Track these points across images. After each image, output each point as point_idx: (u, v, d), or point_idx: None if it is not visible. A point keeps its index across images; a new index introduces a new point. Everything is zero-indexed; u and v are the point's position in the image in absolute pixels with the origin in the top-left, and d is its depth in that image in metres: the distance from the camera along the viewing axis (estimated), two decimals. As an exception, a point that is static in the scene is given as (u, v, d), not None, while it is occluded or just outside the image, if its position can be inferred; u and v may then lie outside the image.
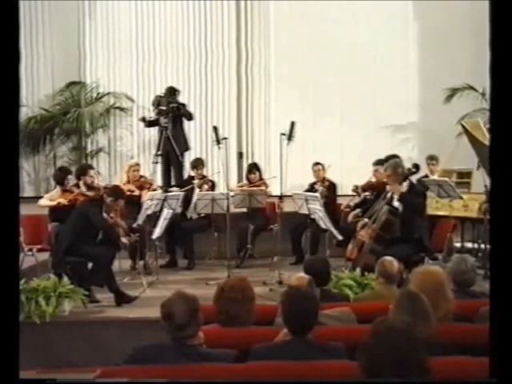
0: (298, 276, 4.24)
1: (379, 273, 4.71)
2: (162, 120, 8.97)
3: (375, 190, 7.28)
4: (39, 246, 7.18)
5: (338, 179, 8.64)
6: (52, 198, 7.29)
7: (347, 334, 3.50)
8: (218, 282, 4.45)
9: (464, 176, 8.52)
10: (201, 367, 3.07)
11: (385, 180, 6.66)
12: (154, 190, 8.08)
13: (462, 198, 7.51)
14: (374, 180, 7.80)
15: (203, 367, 3.08)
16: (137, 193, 8.00)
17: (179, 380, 2.95)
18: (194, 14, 11.22)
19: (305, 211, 7.28)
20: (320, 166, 8.45)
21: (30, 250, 7.08)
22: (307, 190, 8.18)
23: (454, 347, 3.21)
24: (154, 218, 7.32)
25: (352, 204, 7.68)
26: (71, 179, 7.39)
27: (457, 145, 8.42)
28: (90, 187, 7.18)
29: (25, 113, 10.81)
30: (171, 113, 9.00)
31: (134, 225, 7.24)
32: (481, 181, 7.25)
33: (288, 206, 7.90)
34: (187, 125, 9.61)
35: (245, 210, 8.36)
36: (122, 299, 6.24)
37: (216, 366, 3.10)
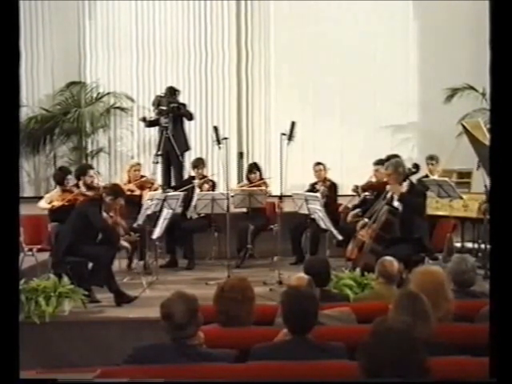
0: (297, 276, 4.24)
1: (379, 273, 4.71)
2: (163, 120, 8.97)
3: (375, 189, 7.28)
4: (39, 246, 7.18)
5: (338, 179, 8.64)
6: (52, 198, 7.30)
7: (347, 334, 3.50)
8: (218, 282, 4.45)
9: (464, 176, 8.52)
10: (201, 367, 3.07)
11: (385, 179, 6.66)
12: (156, 189, 8.08)
13: (462, 197, 7.51)
14: (374, 180, 7.80)
15: (203, 367, 3.07)
16: (138, 193, 8.00)
17: (179, 380, 2.95)
18: (194, 14, 11.22)
19: (305, 211, 7.28)
20: (321, 166, 8.46)
21: (30, 249, 7.08)
22: (308, 190, 8.19)
23: (454, 347, 3.21)
24: (154, 218, 7.32)
25: (350, 205, 7.68)
26: (71, 179, 7.40)
27: (457, 145, 8.42)
28: (89, 187, 7.18)
29: (25, 113, 10.81)
30: (171, 113, 9.00)
31: (134, 225, 7.25)
32: (481, 181, 7.25)
33: (288, 206, 7.90)
34: (187, 125, 9.61)
35: (245, 210, 8.36)
36: (121, 299, 6.24)
37: (216, 366, 3.10)
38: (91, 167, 7.96)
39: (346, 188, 8.44)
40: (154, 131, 9.90)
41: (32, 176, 11.26)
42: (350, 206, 7.74)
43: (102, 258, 6.28)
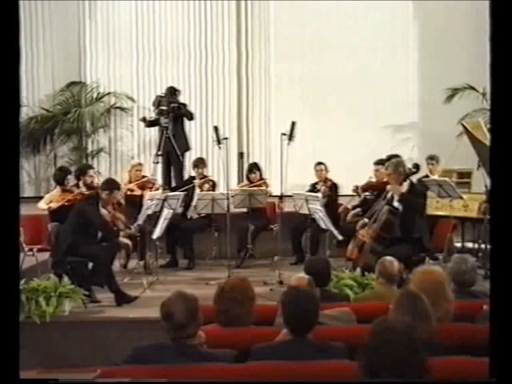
0: (297, 276, 4.24)
1: (379, 273, 4.71)
2: (163, 120, 8.98)
3: (375, 189, 7.29)
4: (39, 246, 7.18)
5: (338, 179, 8.63)
6: (52, 198, 7.30)
7: (347, 334, 3.50)
8: (218, 282, 4.45)
9: (464, 176, 8.52)
10: (201, 367, 3.07)
11: (385, 179, 6.66)
12: (157, 189, 8.07)
13: (462, 197, 7.50)
14: (374, 180, 7.81)
15: (203, 367, 3.07)
16: (138, 193, 7.99)
17: (179, 380, 2.95)
18: (194, 14, 11.22)
19: (305, 211, 7.28)
20: (322, 166, 8.46)
21: (30, 249, 7.08)
22: (309, 190, 8.19)
23: (454, 347, 3.21)
24: (154, 218, 7.32)
25: (350, 206, 7.68)
26: (71, 179, 7.40)
27: (457, 145, 8.42)
28: (89, 187, 7.17)
29: (25, 113, 10.82)
30: (172, 113, 9.01)
31: (135, 225, 7.26)
32: (481, 181, 7.25)
33: (288, 206, 7.90)
34: (187, 125, 9.61)
35: (245, 209, 8.36)
36: (122, 299, 6.24)
37: (216, 366, 3.10)
38: (91, 167, 7.95)
39: (346, 188, 8.44)
40: (154, 131, 9.91)
41: (32, 176, 11.26)
42: (349, 206, 7.74)
43: (102, 258, 6.28)
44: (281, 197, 7.80)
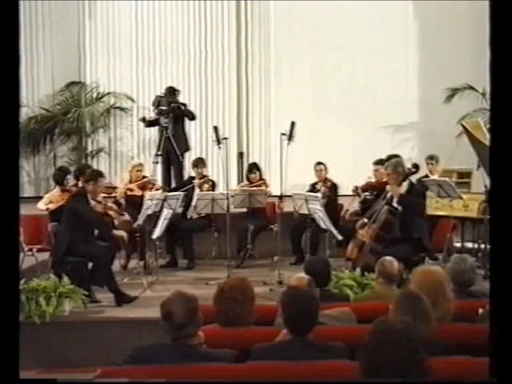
0: (297, 276, 4.24)
1: (379, 273, 4.71)
2: (163, 120, 8.98)
3: (375, 189, 7.28)
4: (39, 246, 7.18)
5: (338, 179, 8.63)
6: (52, 198, 7.30)
7: (347, 334, 3.49)
8: (218, 282, 4.45)
9: (464, 176, 8.52)
10: (201, 367, 3.07)
11: (385, 179, 6.66)
12: (157, 190, 8.07)
13: (462, 197, 7.51)
14: (373, 180, 7.81)
15: (203, 367, 3.07)
16: (139, 193, 7.99)
17: (179, 380, 2.95)
18: (194, 14, 11.22)
19: (305, 211, 7.28)
20: (322, 166, 8.45)
21: (30, 249, 7.09)
22: (309, 191, 8.18)
23: (454, 347, 3.21)
24: (154, 218, 7.32)
25: (351, 208, 7.67)
26: (70, 179, 7.40)
27: (457, 145, 8.41)
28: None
29: (25, 113, 10.82)
30: (172, 113, 9.01)
31: (135, 225, 7.25)
32: (481, 181, 7.25)
33: (288, 206, 7.90)
34: (187, 125, 9.61)
35: (245, 209, 8.36)
36: (122, 299, 6.24)
37: (216, 366, 3.10)
38: (90, 167, 7.97)
39: (345, 188, 8.44)
40: (154, 131, 9.91)
41: (32, 176, 11.26)
42: (350, 208, 7.72)
43: (102, 258, 6.28)
44: (280, 197, 7.79)
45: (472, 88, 10.41)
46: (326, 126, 11.08)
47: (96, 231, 6.52)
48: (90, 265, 6.42)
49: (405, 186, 6.32)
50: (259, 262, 8.17)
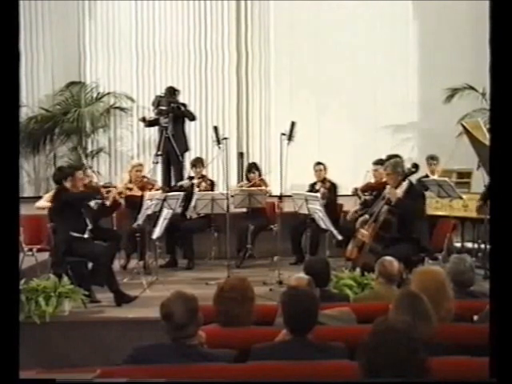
0: (297, 276, 4.24)
1: (379, 273, 4.70)
2: (162, 120, 8.98)
3: (374, 189, 7.28)
4: (39, 246, 7.18)
5: (338, 179, 8.63)
6: (51, 197, 7.29)
7: (347, 334, 3.49)
8: (218, 282, 4.45)
9: (464, 176, 8.52)
10: (201, 367, 3.07)
11: (384, 179, 6.66)
12: (157, 190, 8.07)
13: (461, 197, 7.51)
14: (373, 180, 7.81)
15: (203, 367, 3.07)
16: (138, 193, 7.98)
17: (179, 380, 2.95)
18: (194, 14, 11.23)
19: (305, 211, 7.28)
20: (321, 166, 8.44)
21: (30, 249, 7.09)
22: (308, 191, 8.18)
23: (454, 347, 3.21)
24: (153, 218, 7.32)
25: (354, 208, 7.65)
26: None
27: (457, 145, 8.42)
28: (87, 187, 7.17)
29: (25, 113, 10.83)
30: (172, 113, 9.01)
31: (134, 225, 7.25)
32: (481, 181, 7.25)
33: (288, 206, 7.90)
34: (187, 125, 9.61)
35: (245, 209, 8.36)
36: (122, 299, 6.24)
37: (216, 366, 3.10)
38: (89, 167, 7.97)
39: (345, 188, 8.44)
40: (153, 131, 9.91)
41: (32, 176, 11.26)
42: (352, 208, 7.71)
43: (102, 258, 6.27)
44: (280, 197, 7.79)
45: (472, 88, 10.42)
46: (326, 125, 11.09)
47: (89, 226, 6.46)
48: (90, 265, 6.42)
49: (404, 186, 6.31)
50: (259, 262, 8.17)
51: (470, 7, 10.43)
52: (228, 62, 11.24)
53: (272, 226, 8.02)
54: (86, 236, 6.39)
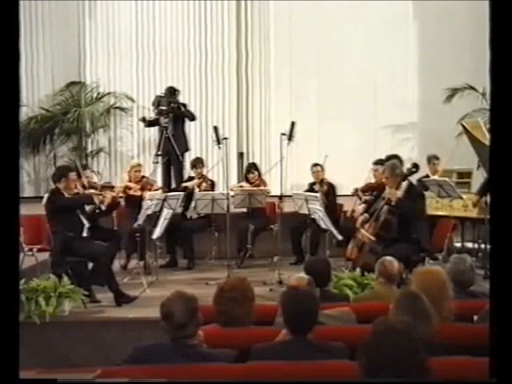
0: (297, 276, 4.23)
1: (379, 273, 4.70)
2: (162, 120, 8.98)
3: (374, 190, 7.28)
4: (39, 246, 7.18)
5: (338, 179, 8.63)
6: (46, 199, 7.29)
7: (347, 334, 3.49)
8: (218, 282, 4.45)
9: (464, 176, 8.51)
10: (201, 367, 3.07)
11: (384, 181, 6.66)
12: (157, 190, 8.07)
13: (462, 197, 7.51)
14: (373, 180, 7.80)
15: (203, 367, 3.07)
16: (138, 193, 7.99)
17: (179, 380, 2.95)
18: (194, 14, 11.23)
19: (305, 211, 7.28)
20: (319, 167, 8.39)
21: (30, 249, 7.09)
22: (307, 190, 8.17)
23: (454, 347, 3.21)
24: (154, 218, 7.32)
25: (357, 208, 7.64)
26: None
27: (457, 145, 8.42)
28: (85, 187, 7.16)
29: (25, 113, 10.82)
30: (172, 113, 9.01)
31: (135, 225, 7.25)
32: (481, 181, 7.25)
33: (288, 206, 7.90)
34: (187, 125, 9.61)
35: (245, 209, 8.36)
36: (122, 299, 6.24)
37: (216, 365, 3.10)
38: (88, 167, 7.97)
39: (346, 188, 8.44)
40: (154, 131, 9.91)
41: (32, 176, 11.27)
42: (356, 208, 7.70)
43: (102, 258, 6.27)
44: (280, 197, 7.79)
45: (472, 88, 10.42)
46: (326, 125, 11.09)
47: (86, 225, 6.45)
48: (90, 265, 6.42)
49: (404, 186, 6.31)
50: (259, 262, 8.17)
51: (469, 7, 10.43)
52: (228, 62, 11.24)
53: (272, 226, 8.02)
54: (84, 235, 6.39)
